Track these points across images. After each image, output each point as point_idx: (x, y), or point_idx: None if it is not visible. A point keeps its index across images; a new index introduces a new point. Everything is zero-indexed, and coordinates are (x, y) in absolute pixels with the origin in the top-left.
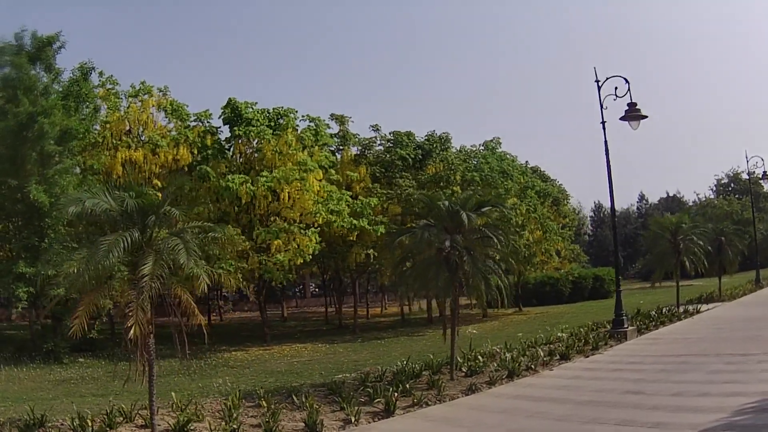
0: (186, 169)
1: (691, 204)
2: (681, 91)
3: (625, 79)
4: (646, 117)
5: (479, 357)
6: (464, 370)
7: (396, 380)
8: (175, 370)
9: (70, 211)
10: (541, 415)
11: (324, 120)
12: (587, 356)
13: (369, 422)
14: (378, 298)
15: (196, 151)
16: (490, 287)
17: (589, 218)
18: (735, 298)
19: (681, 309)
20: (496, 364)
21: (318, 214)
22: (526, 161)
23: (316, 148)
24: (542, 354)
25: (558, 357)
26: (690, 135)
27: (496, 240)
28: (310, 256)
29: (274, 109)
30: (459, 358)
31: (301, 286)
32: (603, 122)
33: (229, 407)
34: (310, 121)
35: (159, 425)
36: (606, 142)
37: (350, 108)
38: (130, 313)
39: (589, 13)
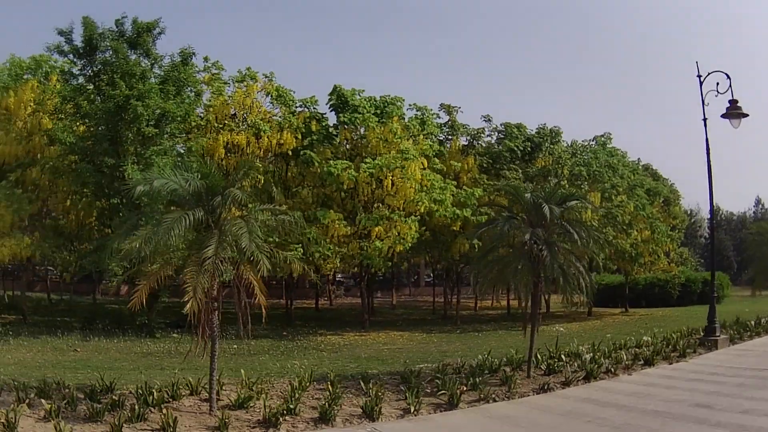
0: (290, 153)
1: None
2: None
3: (726, 74)
4: (747, 115)
5: (563, 356)
6: (543, 368)
7: (470, 374)
8: (264, 350)
9: (137, 191)
10: (600, 421)
11: (432, 110)
12: (671, 363)
13: (429, 413)
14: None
15: (300, 137)
16: (569, 283)
17: (706, 221)
18: None
19: None
20: (576, 365)
21: (420, 203)
22: (638, 158)
23: (421, 137)
24: (625, 357)
25: (642, 362)
26: None
27: (577, 236)
28: (410, 244)
29: (381, 97)
30: (539, 356)
31: (416, 275)
32: (704, 119)
33: (294, 387)
34: (417, 110)
35: (222, 400)
36: (707, 140)
37: (462, 98)
38: (189, 290)
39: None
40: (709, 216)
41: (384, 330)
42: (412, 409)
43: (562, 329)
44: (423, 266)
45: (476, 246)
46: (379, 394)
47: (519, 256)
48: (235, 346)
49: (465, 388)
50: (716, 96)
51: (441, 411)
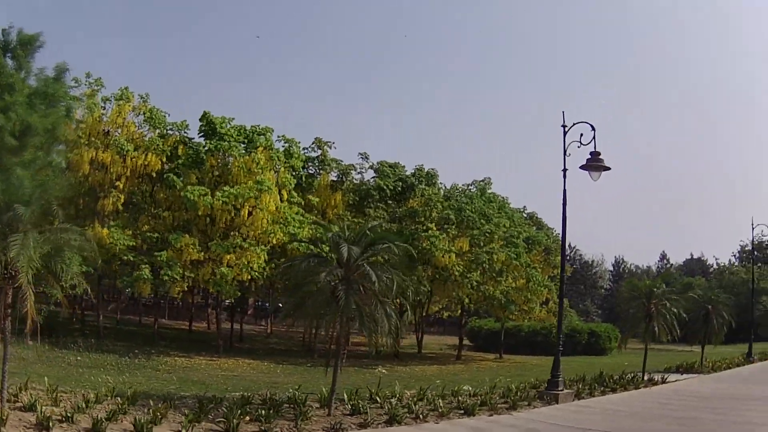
0: (154, 175)
1: (714, 268)
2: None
3: (591, 125)
4: (608, 168)
5: (378, 398)
6: (348, 408)
7: (271, 406)
8: (103, 365)
9: None
10: None
11: (299, 142)
12: (493, 415)
13: None
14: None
15: (165, 159)
16: (364, 324)
17: (609, 272)
18: (716, 370)
19: (647, 377)
20: (387, 408)
21: (272, 234)
22: (524, 206)
23: (282, 169)
24: (441, 405)
25: (462, 411)
26: (720, 196)
27: (375, 278)
28: (257, 273)
29: (251, 126)
30: (347, 395)
31: None
32: (564, 170)
33: (88, 399)
34: (285, 142)
35: (18, 402)
36: (564, 191)
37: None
38: None
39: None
40: (611, 268)
41: (238, 357)
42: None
43: (384, 371)
44: None
45: None
46: (159, 414)
47: (323, 294)
48: (79, 358)
49: (248, 419)
50: (578, 147)
51: None
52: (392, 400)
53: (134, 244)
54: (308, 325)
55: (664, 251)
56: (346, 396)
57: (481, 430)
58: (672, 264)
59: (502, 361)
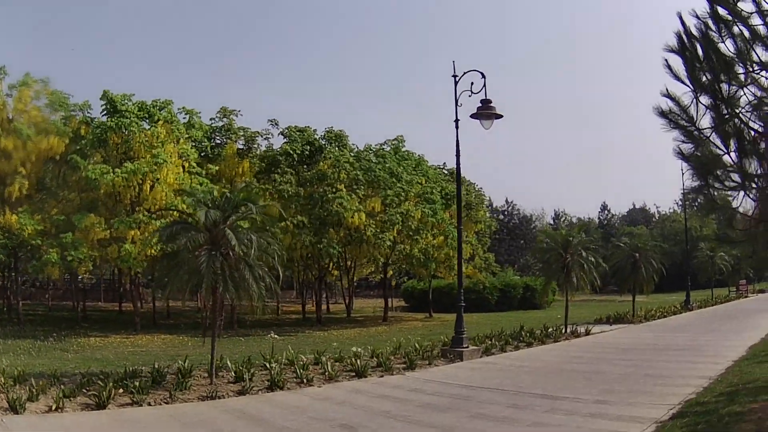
0: (58, 158)
1: (656, 217)
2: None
3: (481, 73)
4: (500, 116)
5: (271, 364)
6: (233, 376)
7: (152, 377)
8: (14, 349)
9: None
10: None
11: (199, 113)
12: (383, 376)
13: (75, 411)
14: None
15: (68, 141)
16: (233, 289)
17: (549, 226)
18: (649, 320)
19: (570, 329)
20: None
21: (175, 206)
22: (444, 163)
23: (182, 141)
24: (329, 369)
25: (354, 373)
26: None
27: (236, 241)
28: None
29: (152, 101)
30: (230, 363)
31: None
32: (456, 120)
33: None
34: (186, 114)
35: None
36: (457, 142)
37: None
38: None
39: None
40: (552, 222)
41: (157, 333)
42: (54, 407)
43: (276, 336)
44: None
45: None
46: (35, 390)
47: (190, 262)
48: None
49: (122, 391)
50: (470, 96)
51: (88, 410)
52: (273, 365)
53: (43, 228)
54: (180, 295)
55: (605, 202)
56: (230, 364)
57: (361, 391)
58: (614, 215)
59: (430, 320)
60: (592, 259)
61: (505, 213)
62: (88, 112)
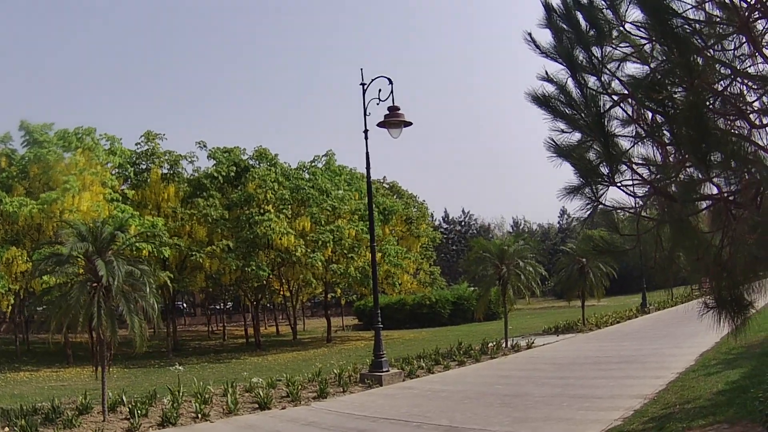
0: None
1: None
2: None
3: (388, 79)
4: (409, 123)
5: (173, 399)
6: (128, 411)
7: (46, 414)
8: None
9: None
10: None
11: (120, 138)
12: (285, 408)
13: None
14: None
15: None
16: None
17: (509, 234)
18: (601, 327)
19: (511, 343)
20: (162, 409)
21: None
22: (383, 176)
23: (99, 167)
24: (230, 402)
25: (257, 405)
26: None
27: (104, 271)
28: None
29: (75, 129)
30: (125, 399)
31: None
32: (366, 131)
33: None
34: (107, 140)
35: None
36: (367, 153)
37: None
38: None
39: None
40: (511, 230)
41: (89, 365)
42: None
43: (181, 368)
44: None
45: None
46: None
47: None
48: None
49: (7, 429)
50: (378, 104)
51: None
52: (165, 400)
53: None
54: (60, 330)
55: (564, 207)
56: (125, 399)
57: (253, 426)
58: (573, 218)
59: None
60: (531, 269)
61: (462, 223)
62: (9, 144)
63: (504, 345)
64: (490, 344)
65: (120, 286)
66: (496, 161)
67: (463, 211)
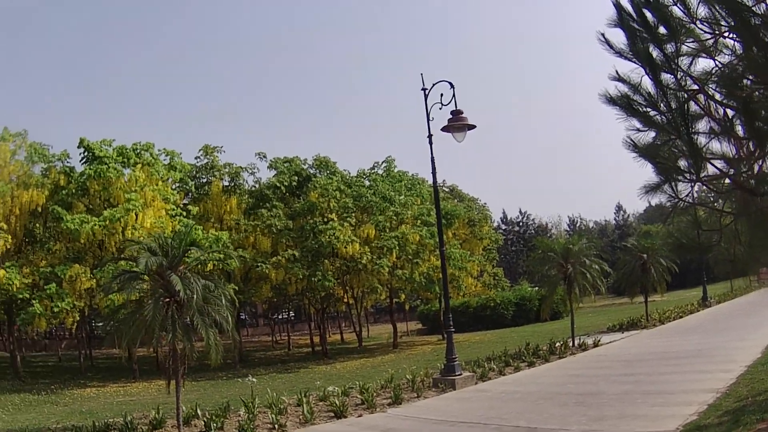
0: (40, 210)
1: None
2: None
3: (449, 83)
4: (473, 126)
5: (247, 411)
6: (203, 424)
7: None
8: (5, 405)
9: None
10: None
11: (180, 153)
12: (361, 416)
13: None
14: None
15: (47, 193)
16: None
17: (566, 233)
18: (664, 322)
19: (578, 342)
20: (237, 422)
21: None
22: (443, 180)
23: (160, 183)
24: (307, 410)
25: (333, 414)
26: None
27: (180, 286)
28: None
29: (133, 144)
30: (199, 412)
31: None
32: (429, 135)
33: None
34: (166, 155)
35: None
36: (432, 158)
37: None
38: None
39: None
40: (567, 228)
41: (155, 380)
42: None
43: (254, 380)
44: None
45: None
46: None
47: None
48: None
49: None
50: (440, 108)
51: None
52: (242, 412)
53: (31, 281)
54: (134, 345)
55: (619, 203)
56: (199, 412)
57: None
58: (629, 214)
59: (443, 343)
60: (596, 267)
61: (520, 224)
62: (67, 162)
63: (571, 344)
64: (558, 344)
65: (198, 301)
66: (552, 160)
67: (520, 211)
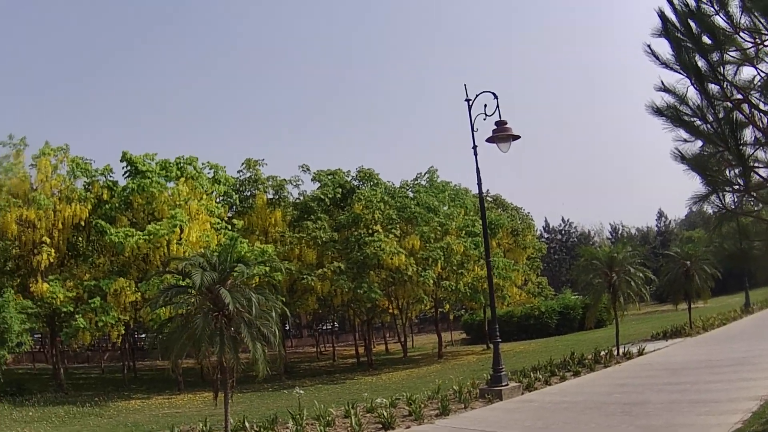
0: (83, 224)
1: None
2: None
3: (493, 93)
4: (518, 137)
5: (295, 421)
6: None
7: None
8: (49, 417)
9: None
10: None
11: (224, 167)
12: (410, 426)
13: None
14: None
15: (90, 207)
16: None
17: (608, 240)
18: (707, 329)
19: (622, 350)
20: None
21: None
22: (487, 189)
23: (205, 196)
24: (355, 422)
25: (381, 426)
26: None
27: (229, 299)
28: None
29: (176, 158)
30: (247, 424)
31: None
32: (474, 146)
33: None
34: (210, 168)
35: None
36: (478, 169)
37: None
38: None
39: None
40: (609, 235)
41: (199, 392)
42: None
43: (301, 392)
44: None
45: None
46: None
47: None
48: (30, 413)
49: None
50: (484, 119)
51: None
52: (290, 424)
53: (75, 294)
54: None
55: (661, 209)
56: (247, 424)
57: None
58: (671, 220)
59: (487, 352)
60: (641, 275)
61: (563, 232)
62: (110, 176)
63: (616, 353)
64: (603, 353)
65: (248, 314)
66: (593, 169)
67: (563, 219)
